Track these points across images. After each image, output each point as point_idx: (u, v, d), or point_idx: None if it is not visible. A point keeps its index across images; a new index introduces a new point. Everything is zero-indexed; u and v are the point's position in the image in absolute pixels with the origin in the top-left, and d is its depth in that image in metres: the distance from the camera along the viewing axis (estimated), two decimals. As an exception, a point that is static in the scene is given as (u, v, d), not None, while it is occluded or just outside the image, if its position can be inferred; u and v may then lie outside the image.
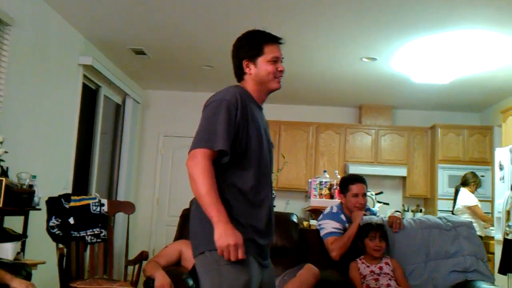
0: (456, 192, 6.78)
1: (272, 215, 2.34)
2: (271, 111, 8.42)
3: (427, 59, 6.06)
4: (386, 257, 3.61)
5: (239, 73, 2.38)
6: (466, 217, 5.93)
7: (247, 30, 2.42)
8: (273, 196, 2.43)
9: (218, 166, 2.15)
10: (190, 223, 2.28)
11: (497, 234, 6.10)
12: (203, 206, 2.08)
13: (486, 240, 6.30)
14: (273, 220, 2.36)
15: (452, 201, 6.91)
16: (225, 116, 2.14)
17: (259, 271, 2.21)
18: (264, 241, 2.27)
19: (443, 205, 7.73)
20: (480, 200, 6.68)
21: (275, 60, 2.33)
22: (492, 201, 7.11)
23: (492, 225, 6.44)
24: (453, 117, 8.63)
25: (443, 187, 7.86)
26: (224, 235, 2.01)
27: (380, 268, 3.52)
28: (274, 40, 2.37)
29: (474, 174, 6.75)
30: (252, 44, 2.33)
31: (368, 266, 3.55)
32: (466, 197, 6.57)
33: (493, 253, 6.08)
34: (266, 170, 2.31)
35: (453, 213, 6.56)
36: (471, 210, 6.45)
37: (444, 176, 7.92)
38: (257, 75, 2.32)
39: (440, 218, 3.98)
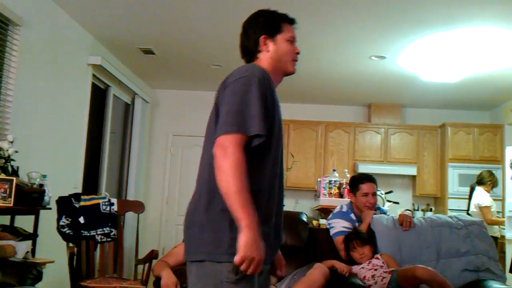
0: (471, 191, 6.58)
1: (281, 222, 2.09)
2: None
3: (436, 57, 6.03)
4: (377, 254, 3.66)
5: (253, 51, 2.14)
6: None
7: (259, 10, 2.28)
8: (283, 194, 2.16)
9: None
10: (191, 220, 1.92)
11: (509, 233, 6.06)
12: (231, 205, 1.74)
13: (502, 240, 6.22)
14: (281, 227, 2.11)
15: (465, 200, 6.77)
16: (258, 95, 1.86)
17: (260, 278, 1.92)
18: (271, 255, 2.03)
19: (453, 204, 7.69)
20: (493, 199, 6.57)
21: (292, 41, 2.18)
22: (503, 200, 7.05)
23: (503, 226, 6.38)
24: (463, 116, 8.59)
25: (453, 186, 7.82)
26: (252, 245, 1.70)
27: (369, 262, 3.56)
28: (291, 21, 2.25)
29: (490, 173, 6.55)
30: (270, 21, 2.19)
31: (359, 264, 3.60)
32: (480, 196, 6.36)
33: (504, 252, 6.04)
34: (279, 165, 2.05)
35: (468, 213, 6.31)
36: (480, 210, 6.25)
37: (454, 175, 7.88)
38: (276, 53, 2.12)
39: (451, 217, 3.96)
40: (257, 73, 1.92)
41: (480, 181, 6.50)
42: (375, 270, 3.46)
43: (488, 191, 6.40)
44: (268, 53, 2.12)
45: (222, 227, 1.82)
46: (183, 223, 1.98)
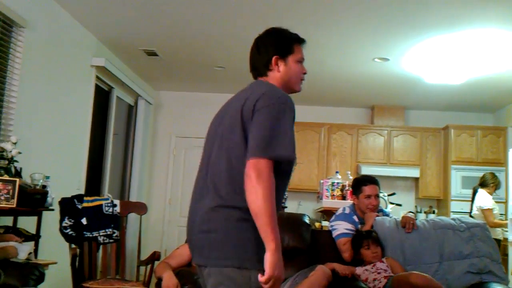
0: (474, 193, 6.55)
1: None
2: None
3: (439, 59, 6.02)
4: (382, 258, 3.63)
5: (263, 69, 2.19)
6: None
7: (271, 27, 2.30)
8: (285, 196, 2.25)
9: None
10: (209, 226, 1.95)
11: (511, 235, 6.04)
12: (261, 225, 1.81)
13: (505, 243, 6.20)
14: None
15: (468, 203, 6.75)
16: (290, 122, 1.95)
17: None
18: None
19: (456, 206, 7.67)
20: (496, 201, 6.55)
21: (301, 61, 2.25)
22: (506, 203, 7.03)
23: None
24: (466, 118, 8.57)
25: (457, 188, 7.80)
26: (280, 266, 1.81)
27: (374, 265, 3.53)
28: (302, 41, 2.30)
29: (493, 175, 6.52)
30: (283, 41, 2.22)
31: (362, 266, 3.57)
32: (482, 199, 6.35)
33: (507, 255, 6.02)
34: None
35: (470, 216, 6.28)
36: (483, 213, 6.23)
37: (457, 177, 7.86)
38: (286, 74, 2.18)
39: (454, 219, 3.96)
40: (287, 99, 2.00)
41: (482, 183, 6.47)
42: (378, 273, 3.46)
43: (490, 193, 6.37)
44: (279, 73, 2.18)
45: (246, 236, 1.89)
46: (193, 226, 2.01)
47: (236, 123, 1.98)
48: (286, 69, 2.18)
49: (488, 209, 6.22)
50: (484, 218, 6.05)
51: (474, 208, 6.40)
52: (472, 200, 6.52)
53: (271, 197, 1.83)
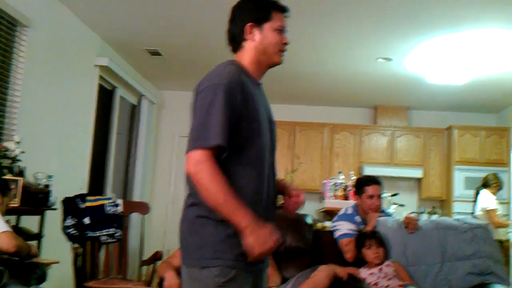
0: (477, 193, 6.52)
1: (271, 213, 2.02)
2: (286, 112, 8.43)
3: (443, 59, 6.01)
4: (387, 260, 3.59)
5: (238, 40, 2.05)
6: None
7: None
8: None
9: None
10: (180, 226, 1.96)
11: (514, 236, 6.03)
12: (224, 215, 1.78)
13: (508, 244, 6.18)
14: (274, 218, 2.04)
15: (471, 203, 6.73)
16: (222, 106, 1.82)
17: (251, 278, 1.94)
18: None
19: (459, 207, 7.65)
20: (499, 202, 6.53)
21: (281, 30, 2.06)
22: (509, 203, 7.02)
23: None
24: (470, 118, 8.55)
25: (460, 188, 7.78)
26: (260, 240, 1.76)
27: (380, 269, 3.50)
28: (282, 9, 2.10)
29: (495, 176, 6.49)
30: (259, 7, 2.05)
31: (368, 269, 3.53)
32: (485, 199, 6.32)
33: (510, 256, 6.01)
34: (264, 162, 1.98)
35: (473, 217, 6.18)
36: (487, 214, 6.18)
37: (460, 178, 7.85)
38: (261, 43, 2.02)
39: (456, 219, 3.95)
40: (225, 79, 1.87)
41: (485, 184, 6.46)
42: (389, 279, 3.42)
43: (493, 194, 6.35)
44: (253, 42, 2.03)
45: (204, 233, 1.86)
46: (180, 227, 2.01)
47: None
48: (261, 38, 2.02)
49: (492, 209, 6.20)
50: (489, 219, 6.02)
51: (478, 209, 6.38)
52: (475, 201, 6.51)
53: (216, 185, 1.77)
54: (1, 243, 2.85)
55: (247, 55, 2.04)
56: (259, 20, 2.03)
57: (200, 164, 1.79)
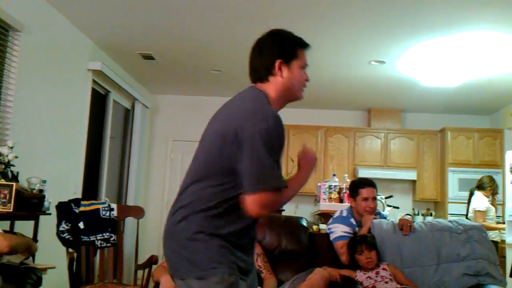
0: (470, 195, 6.54)
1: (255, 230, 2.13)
2: (280, 115, 8.43)
3: (436, 61, 6.04)
4: (383, 263, 3.59)
5: (265, 74, 2.07)
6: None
7: (275, 29, 2.16)
8: None
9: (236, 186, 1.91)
10: (175, 244, 1.99)
11: (509, 237, 6.05)
12: (300, 188, 2.11)
13: (502, 245, 6.21)
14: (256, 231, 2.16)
15: (465, 205, 6.75)
16: (272, 151, 1.88)
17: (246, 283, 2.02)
18: (250, 259, 2.09)
19: (453, 208, 7.68)
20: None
21: (305, 67, 2.13)
22: (503, 205, 7.04)
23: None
24: (463, 120, 8.59)
25: (453, 190, 7.82)
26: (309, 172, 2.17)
27: (377, 272, 3.50)
28: (306, 45, 2.16)
29: (491, 179, 6.49)
30: (287, 45, 2.10)
31: (365, 273, 3.53)
32: (477, 201, 6.35)
33: (504, 257, 6.03)
34: None
35: (467, 218, 6.26)
36: (474, 214, 6.22)
37: (454, 180, 7.88)
38: (289, 80, 2.07)
39: (451, 221, 3.96)
40: (273, 121, 1.89)
41: (479, 186, 6.48)
42: (386, 283, 3.42)
43: (487, 196, 6.38)
44: (281, 79, 2.06)
45: (196, 245, 1.91)
46: (168, 241, 2.02)
47: (213, 144, 1.97)
48: (289, 75, 2.07)
49: (479, 211, 6.22)
50: (474, 219, 6.04)
51: (470, 210, 6.41)
52: (469, 203, 6.54)
53: (285, 198, 2.01)
54: None
55: (273, 89, 2.07)
56: (288, 58, 2.07)
57: (270, 204, 1.91)
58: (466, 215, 6.48)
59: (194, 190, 1.99)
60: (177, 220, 1.97)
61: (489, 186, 6.42)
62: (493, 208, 6.39)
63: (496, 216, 6.56)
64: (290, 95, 2.13)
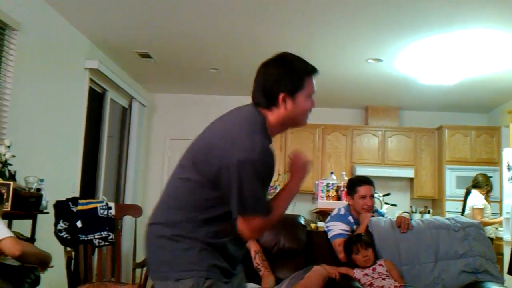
0: (467, 193, 6.64)
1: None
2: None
3: (433, 59, 6.04)
4: (379, 259, 3.60)
5: (267, 104, 1.99)
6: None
7: (283, 54, 2.06)
8: None
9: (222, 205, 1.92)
10: (153, 249, 2.00)
11: (506, 235, 6.06)
12: (290, 200, 2.08)
13: (499, 242, 6.24)
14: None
15: (461, 202, 6.82)
16: (261, 181, 1.87)
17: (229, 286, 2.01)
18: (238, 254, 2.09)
19: (451, 206, 7.70)
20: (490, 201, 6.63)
21: (311, 95, 2.04)
22: (500, 202, 7.06)
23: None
24: (460, 118, 8.61)
25: (451, 188, 7.83)
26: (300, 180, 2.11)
27: (374, 269, 3.51)
28: (315, 72, 2.06)
29: (486, 177, 6.59)
30: (293, 76, 1.99)
31: (362, 270, 3.54)
32: (474, 198, 6.44)
33: (502, 254, 6.04)
34: None
35: (463, 216, 6.37)
36: (472, 212, 6.31)
37: (452, 177, 7.90)
38: (292, 112, 1.99)
39: (448, 219, 3.97)
40: (260, 153, 1.85)
41: (476, 185, 6.58)
42: (383, 279, 3.43)
43: (483, 194, 6.49)
44: (285, 111, 1.98)
45: (176, 247, 1.92)
46: (148, 240, 2.04)
47: (200, 152, 2.01)
48: (293, 107, 1.98)
49: (477, 208, 6.31)
50: (472, 216, 6.10)
51: (467, 208, 6.46)
52: (465, 201, 6.59)
53: (271, 222, 1.97)
54: (6, 248, 2.82)
55: (274, 118, 2.00)
56: (294, 91, 1.98)
57: (260, 228, 1.95)
58: (462, 212, 6.54)
59: (180, 190, 2.02)
60: (159, 221, 2.03)
61: (485, 185, 6.52)
62: (489, 206, 6.45)
63: (492, 213, 6.61)
64: (292, 124, 2.07)
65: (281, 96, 1.96)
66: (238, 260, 2.09)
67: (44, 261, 3.13)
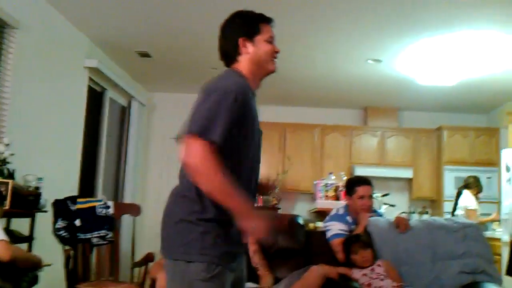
0: (458, 194, 6.77)
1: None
2: (276, 113, 8.45)
3: (432, 60, 6.04)
4: (378, 260, 3.60)
5: (232, 54, 2.17)
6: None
7: (235, 11, 2.29)
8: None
9: None
10: (171, 224, 2.02)
11: (504, 235, 6.07)
12: (223, 201, 1.90)
13: (493, 242, 6.26)
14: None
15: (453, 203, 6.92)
16: (228, 111, 1.91)
17: (232, 275, 2.05)
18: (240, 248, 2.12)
19: (449, 207, 7.64)
20: (486, 202, 6.71)
21: (271, 41, 2.20)
22: (499, 203, 7.07)
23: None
24: (460, 119, 8.61)
25: (450, 188, 7.82)
26: (255, 223, 1.90)
27: (372, 269, 3.51)
28: (269, 20, 2.25)
29: (476, 179, 6.77)
30: (248, 22, 2.20)
31: (360, 270, 3.54)
32: (467, 200, 6.60)
33: (499, 255, 6.05)
34: (254, 171, 2.16)
35: (453, 216, 6.53)
36: (466, 213, 6.43)
37: (450, 178, 7.90)
38: (255, 55, 2.15)
39: (447, 219, 3.98)
40: (234, 86, 1.98)
41: (467, 186, 6.74)
42: (381, 280, 3.43)
43: (474, 195, 6.64)
44: (248, 55, 2.15)
45: (193, 229, 1.95)
46: (163, 220, 2.08)
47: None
48: (255, 50, 2.15)
49: (472, 209, 6.46)
50: (468, 218, 6.16)
51: (459, 209, 6.57)
52: (456, 201, 6.70)
53: (215, 176, 1.88)
54: None
55: (243, 67, 2.15)
56: (250, 34, 2.16)
57: (205, 155, 1.87)
58: (453, 212, 6.64)
59: (183, 173, 2.06)
60: (171, 202, 2.07)
61: (475, 186, 6.70)
62: (479, 206, 6.67)
63: (481, 214, 6.76)
64: (262, 69, 2.18)
65: (240, 40, 2.14)
66: (241, 244, 2.12)
67: (34, 266, 3.14)
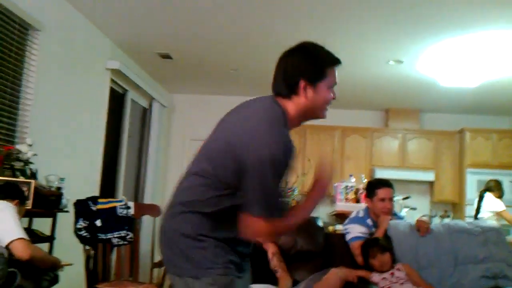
0: (481, 197, 6.65)
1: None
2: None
3: (454, 61, 5.98)
4: (398, 263, 3.56)
5: (288, 92, 1.95)
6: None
7: (305, 43, 2.05)
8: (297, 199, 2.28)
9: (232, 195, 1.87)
10: (173, 241, 1.96)
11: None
12: (306, 215, 2.07)
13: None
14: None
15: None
16: (277, 182, 1.82)
17: (241, 282, 2.00)
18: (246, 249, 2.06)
19: (471, 210, 7.58)
20: (509, 206, 6.59)
21: (333, 86, 2.01)
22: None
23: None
24: (482, 121, 8.50)
25: (472, 192, 7.71)
26: (317, 200, 2.07)
27: (392, 274, 3.47)
28: (338, 63, 2.04)
29: (497, 183, 6.66)
30: (315, 64, 1.96)
31: (380, 274, 3.50)
32: (494, 202, 6.47)
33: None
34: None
35: (476, 219, 6.45)
36: (500, 215, 6.34)
37: (473, 181, 7.79)
38: (313, 102, 1.95)
39: (468, 223, 3.92)
40: (279, 149, 1.80)
41: (489, 189, 6.63)
42: (401, 284, 3.39)
43: (496, 197, 6.55)
44: (305, 100, 1.95)
45: (195, 244, 1.89)
46: (164, 236, 2.01)
47: (220, 151, 1.92)
48: (314, 96, 1.94)
49: (504, 210, 6.36)
50: (506, 220, 6.18)
51: (485, 212, 6.45)
52: (479, 204, 6.58)
53: (287, 227, 1.99)
54: (15, 250, 2.85)
55: (294, 108, 1.96)
56: (315, 79, 1.95)
57: (270, 231, 1.90)
58: (475, 216, 6.52)
59: (193, 185, 1.99)
60: (175, 215, 1.99)
61: (497, 189, 6.61)
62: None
63: None
64: (312, 115, 2.02)
65: (302, 83, 1.93)
66: (247, 256, 2.07)
67: (53, 266, 3.17)
